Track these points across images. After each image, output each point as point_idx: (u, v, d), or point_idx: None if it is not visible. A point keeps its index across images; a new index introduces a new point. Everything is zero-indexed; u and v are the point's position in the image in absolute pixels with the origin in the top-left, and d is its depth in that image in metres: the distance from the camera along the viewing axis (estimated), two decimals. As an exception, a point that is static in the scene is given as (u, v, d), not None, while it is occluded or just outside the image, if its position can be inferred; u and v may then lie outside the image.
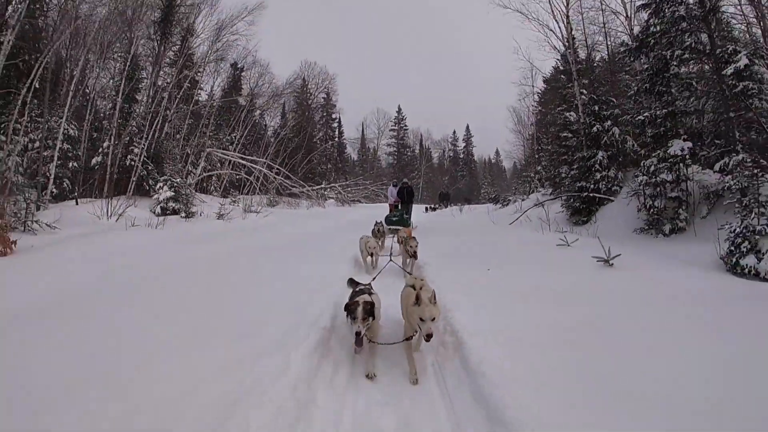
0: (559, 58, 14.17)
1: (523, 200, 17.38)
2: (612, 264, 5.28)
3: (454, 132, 58.92)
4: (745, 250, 5.17)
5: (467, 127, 58.33)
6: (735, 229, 5.38)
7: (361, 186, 31.83)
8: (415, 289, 3.41)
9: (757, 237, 5.16)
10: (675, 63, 8.38)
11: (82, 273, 5.19)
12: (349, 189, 30.34)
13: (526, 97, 24.91)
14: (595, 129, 10.75)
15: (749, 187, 6.71)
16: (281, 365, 2.81)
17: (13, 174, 11.05)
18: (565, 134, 13.87)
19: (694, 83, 8.39)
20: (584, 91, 11.63)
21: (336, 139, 44.06)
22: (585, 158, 10.90)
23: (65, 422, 2.16)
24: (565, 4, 13.26)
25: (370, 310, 3.32)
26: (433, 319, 3.11)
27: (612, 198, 10.14)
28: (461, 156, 58.69)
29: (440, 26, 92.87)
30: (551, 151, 17.87)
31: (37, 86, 12.51)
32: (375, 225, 8.98)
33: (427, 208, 26.78)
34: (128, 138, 15.50)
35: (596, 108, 10.98)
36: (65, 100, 14.19)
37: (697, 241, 6.65)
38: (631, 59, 10.40)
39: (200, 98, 23.64)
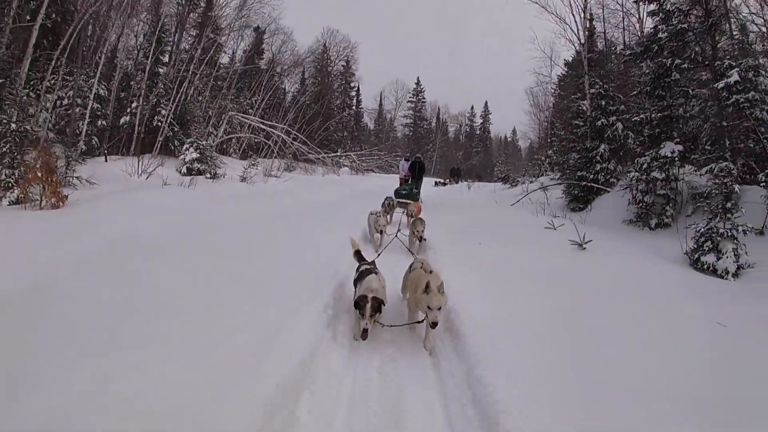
0: (575, 51, 14.48)
1: (531, 182, 17.99)
2: (585, 248, 6.04)
3: (472, 108, 58.43)
4: (707, 248, 5.88)
5: (485, 103, 57.86)
6: (700, 230, 6.09)
7: (375, 156, 32.32)
8: (425, 271, 3.74)
9: (719, 238, 5.86)
10: (676, 71, 8.91)
11: (135, 224, 6.05)
12: (363, 158, 30.91)
13: (542, 84, 25.01)
14: (600, 122, 11.30)
15: (731, 192, 7.39)
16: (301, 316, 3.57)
17: (44, 131, 11.98)
18: (576, 122, 14.35)
19: (690, 91, 8.89)
20: (598, 81, 12.04)
21: (353, 107, 44.51)
22: (588, 149, 11.51)
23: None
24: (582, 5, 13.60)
25: (378, 307, 3.51)
26: (440, 308, 3.35)
27: (608, 189, 10.77)
28: (477, 132, 58.34)
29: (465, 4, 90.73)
30: (562, 137, 18.32)
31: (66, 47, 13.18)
32: (385, 199, 9.30)
33: (436, 183, 27.06)
34: (155, 99, 16.26)
35: (603, 102, 11.50)
36: (93, 59, 14.98)
37: (678, 237, 7.31)
38: (638, 62, 10.84)
39: (223, 62, 24.36)
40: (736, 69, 7.54)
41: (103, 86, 15.08)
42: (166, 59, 18.63)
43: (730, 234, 5.84)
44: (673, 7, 9.03)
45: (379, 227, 6.84)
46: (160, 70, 18.11)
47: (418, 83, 55.30)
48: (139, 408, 2.15)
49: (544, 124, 29.71)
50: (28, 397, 2.15)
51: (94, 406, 2.13)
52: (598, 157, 11.13)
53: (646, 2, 9.98)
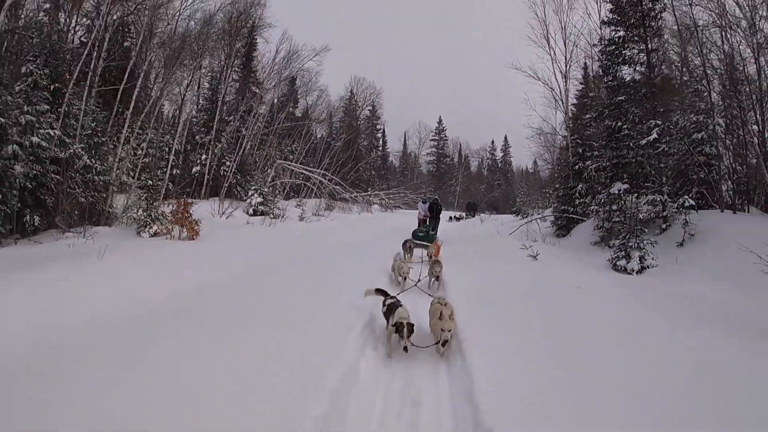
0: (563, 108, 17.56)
1: (539, 214, 20.86)
2: (537, 259, 9.12)
3: (493, 142, 61.15)
4: (621, 256, 8.88)
5: (505, 137, 60.59)
6: (617, 244, 9.09)
7: (401, 194, 35.56)
8: (441, 305, 4.88)
9: (629, 249, 8.85)
10: (626, 127, 12.01)
11: (257, 253, 9.36)
12: (391, 196, 34.17)
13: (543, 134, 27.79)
14: (577, 166, 14.36)
15: (668, 216, 10.34)
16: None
17: (124, 177, 15.38)
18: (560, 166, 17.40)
19: (630, 144, 11.86)
20: (575, 134, 15.16)
21: (380, 148, 48.40)
22: (569, 188, 14.53)
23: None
24: (563, 72, 16.93)
25: (412, 329, 4.51)
26: (450, 330, 4.51)
27: (585, 219, 13.70)
28: (499, 165, 60.97)
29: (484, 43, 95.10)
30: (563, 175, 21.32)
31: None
32: (405, 242, 10.41)
33: (450, 218, 29.14)
34: (220, 153, 20.08)
35: (581, 150, 14.58)
36: (172, 120, 18.92)
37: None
38: (595, 122, 13.92)
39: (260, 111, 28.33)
40: (656, 129, 10.59)
41: (178, 141, 18.89)
42: (229, 118, 22.52)
43: (637, 246, 8.83)
44: (625, 80, 12.25)
45: (403, 273, 7.72)
46: (224, 127, 21.97)
47: (440, 122, 58.65)
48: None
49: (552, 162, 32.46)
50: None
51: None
52: (576, 194, 14.12)
53: (604, 76, 13.23)
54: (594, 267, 9.17)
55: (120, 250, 8.02)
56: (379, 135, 48.73)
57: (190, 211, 10.67)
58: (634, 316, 5.63)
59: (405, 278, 7.66)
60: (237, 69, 24.11)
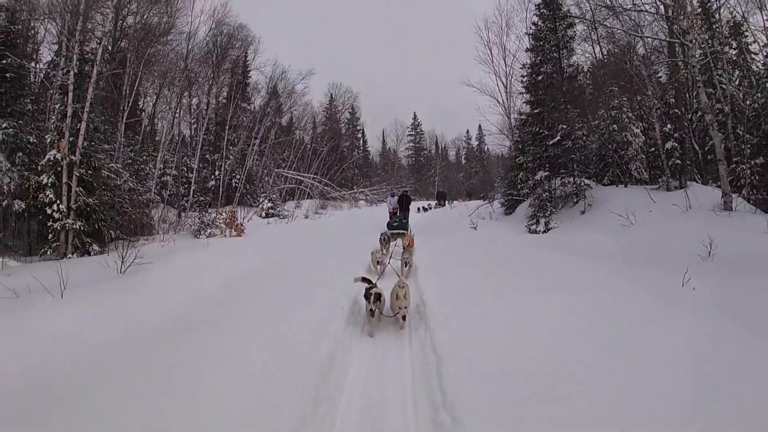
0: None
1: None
2: (476, 229, 13.36)
3: (468, 131, 65.00)
4: (533, 222, 13.16)
5: (479, 126, 64.28)
6: (530, 213, 13.37)
7: (384, 189, 39.58)
8: (399, 287, 5.78)
9: (538, 217, 13.13)
10: (542, 131, 16.21)
11: (290, 242, 13.37)
12: (374, 191, 38.25)
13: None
14: (518, 159, 18.57)
15: (579, 192, 14.58)
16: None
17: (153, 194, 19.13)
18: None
19: (548, 143, 16.00)
20: (517, 134, 19.43)
21: (361, 148, 52.47)
22: (513, 176, 18.75)
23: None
24: (505, 86, 21.25)
25: (378, 296, 5.72)
26: (406, 307, 5.68)
27: (524, 200, 17.89)
28: (475, 153, 64.61)
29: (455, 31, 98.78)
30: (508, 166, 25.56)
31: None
32: (381, 234, 11.52)
33: (419, 209, 30.04)
34: (231, 168, 24.01)
35: (520, 146, 18.80)
36: (194, 149, 22.78)
37: (559, 223, 14.30)
38: (525, 127, 18.12)
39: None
40: (560, 133, 14.84)
41: (193, 162, 22.74)
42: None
43: (543, 214, 13.11)
44: (539, 97, 16.48)
45: (376, 259, 9.13)
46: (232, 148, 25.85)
47: (415, 117, 62.83)
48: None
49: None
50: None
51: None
52: (518, 180, 18.31)
53: (525, 93, 17.53)
54: (517, 232, 13.48)
55: (200, 247, 11.97)
56: (359, 135, 52.83)
57: (236, 216, 14.71)
58: (532, 252, 9.89)
59: (380, 262, 9.01)
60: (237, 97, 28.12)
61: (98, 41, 13.89)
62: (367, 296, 5.84)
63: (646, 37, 14.43)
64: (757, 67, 16.25)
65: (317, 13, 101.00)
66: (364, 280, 6.73)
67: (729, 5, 15.91)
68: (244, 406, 3.52)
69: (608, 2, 13.88)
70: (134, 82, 18.98)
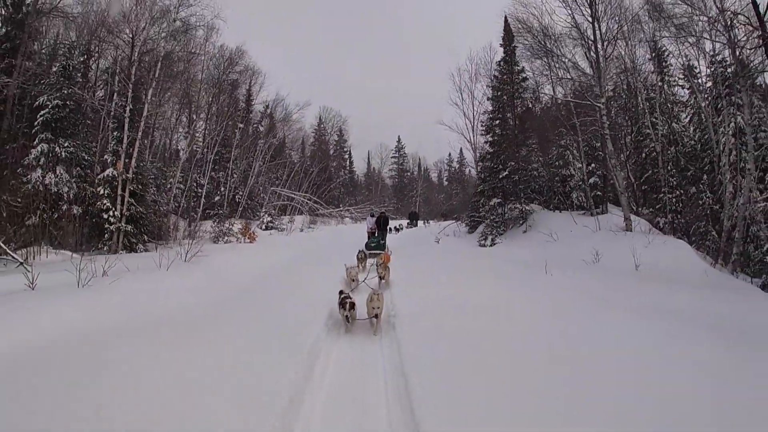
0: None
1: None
2: (438, 242, 17.05)
3: (449, 154, 68.33)
4: (483, 239, 16.90)
5: (460, 150, 68.34)
6: (483, 233, 17.10)
7: (368, 208, 43.20)
8: (374, 293, 6.73)
9: (487, 235, 16.88)
10: (496, 167, 20.08)
11: (294, 249, 16.80)
12: (359, 209, 41.85)
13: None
14: (479, 188, 22.36)
15: (526, 216, 18.36)
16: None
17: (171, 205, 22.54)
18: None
19: (499, 176, 19.89)
20: (480, 164, 23.32)
21: (348, 168, 56.21)
22: (476, 201, 22.53)
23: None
24: (473, 125, 25.31)
25: (352, 304, 6.60)
26: (379, 307, 6.53)
27: (485, 221, 21.65)
28: (455, 176, 67.26)
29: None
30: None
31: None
32: (358, 252, 12.55)
33: (390, 229, 31.65)
34: (234, 186, 27.45)
35: (483, 176, 22.63)
36: (204, 169, 26.18)
37: (504, 240, 18.10)
38: (483, 162, 22.05)
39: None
40: (509, 168, 18.70)
41: (202, 177, 26.12)
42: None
43: (491, 233, 16.86)
44: (497, 136, 20.38)
45: (352, 276, 9.80)
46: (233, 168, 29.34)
47: (399, 141, 66.63)
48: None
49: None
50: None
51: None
52: (480, 204, 22.08)
53: (485, 133, 21.48)
54: (471, 246, 17.27)
55: (224, 249, 15.38)
56: (347, 156, 56.60)
57: (249, 227, 18.16)
58: (472, 257, 13.61)
59: (353, 280, 9.67)
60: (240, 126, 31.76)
61: (150, 82, 17.27)
62: (342, 304, 6.75)
63: (572, 101, 18.34)
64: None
65: (308, 35, 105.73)
66: (341, 293, 7.43)
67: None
68: (300, 313, 6.86)
69: (546, 72, 17.94)
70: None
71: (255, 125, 33.19)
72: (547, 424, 3.45)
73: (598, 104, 15.14)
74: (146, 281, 8.28)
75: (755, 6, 12.10)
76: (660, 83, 20.05)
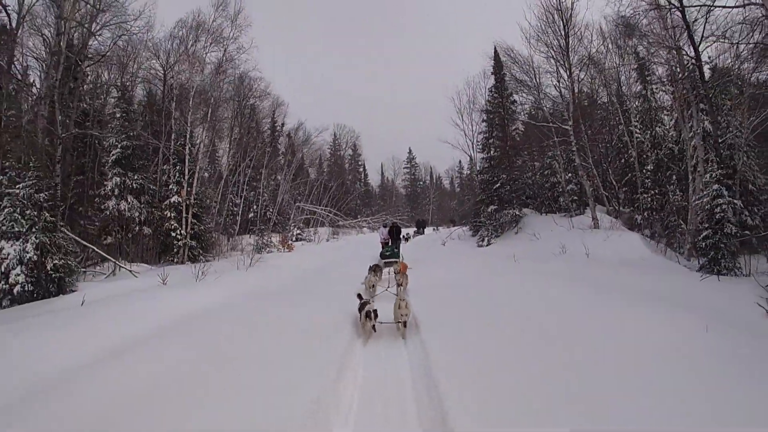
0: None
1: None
2: (444, 245, 20.50)
3: (460, 162, 71.83)
4: (480, 240, 20.30)
5: (472, 155, 71.80)
6: (481, 235, 20.50)
7: (384, 218, 46.75)
8: (401, 300, 7.26)
9: (483, 236, 20.27)
10: (491, 179, 23.45)
11: (325, 256, 20.40)
12: (375, 219, 45.41)
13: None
14: (479, 197, 25.74)
15: (519, 220, 21.71)
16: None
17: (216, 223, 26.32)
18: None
19: (494, 187, 23.25)
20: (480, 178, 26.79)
21: (362, 181, 59.97)
22: (477, 208, 25.88)
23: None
24: (472, 142, 28.77)
25: (376, 313, 6.97)
26: (406, 315, 7.03)
27: (484, 225, 25.03)
28: (466, 182, 71.22)
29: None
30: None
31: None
32: (374, 265, 12.56)
33: (402, 238, 33.98)
34: (265, 204, 31.23)
35: (484, 185, 26.01)
36: (238, 190, 30.00)
37: (498, 241, 21.47)
38: (480, 175, 25.45)
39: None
40: (503, 177, 22.09)
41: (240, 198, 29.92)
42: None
43: (488, 235, 20.26)
44: (492, 153, 23.80)
45: (371, 284, 10.86)
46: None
47: (410, 152, 70.52)
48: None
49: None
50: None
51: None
52: (481, 211, 25.41)
53: (481, 150, 24.89)
54: (470, 246, 20.61)
55: (270, 257, 18.94)
56: (361, 170, 60.35)
57: (287, 238, 21.78)
58: (477, 256, 17.08)
59: (373, 287, 10.61)
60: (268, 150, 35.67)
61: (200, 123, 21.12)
62: (364, 312, 7.10)
63: (544, 124, 21.59)
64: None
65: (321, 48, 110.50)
66: (359, 297, 7.98)
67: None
68: (344, 290, 10.35)
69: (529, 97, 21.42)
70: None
71: (281, 151, 37.08)
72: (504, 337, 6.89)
73: (566, 127, 18.52)
74: (235, 276, 11.96)
75: (691, 39, 14.49)
76: (644, 91, 22.20)
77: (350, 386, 5.24)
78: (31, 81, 18.85)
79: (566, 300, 7.77)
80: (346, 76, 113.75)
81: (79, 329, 6.35)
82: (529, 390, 4.42)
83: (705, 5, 11.49)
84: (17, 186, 10.91)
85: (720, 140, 14.59)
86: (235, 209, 28.76)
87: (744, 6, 8.97)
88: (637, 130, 20.91)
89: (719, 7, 11.31)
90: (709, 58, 16.47)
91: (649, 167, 19.68)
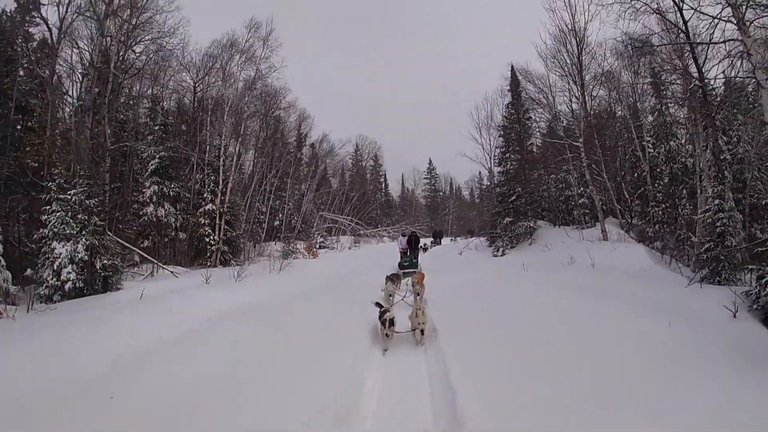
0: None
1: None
2: (461, 254, 21.52)
3: (480, 173, 72.57)
4: (496, 251, 21.26)
5: (490, 168, 72.50)
6: (498, 246, 21.46)
7: (404, 228, 47.92)
8: (418, 309, 7.56)
9: (498, 246, 21.23)
10: (506, 191, 24.40)
11: (348, 263, 21.63)
12: (395, 228, 46.56)
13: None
14: (496, 209, 26.66)
15: (533, 231, 22.61)
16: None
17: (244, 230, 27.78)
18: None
19: (509, 200, 24.16)
20: (499, 187, 27.77)
21: (383, 191, 61.26)
22: (494, 220, 26.80)
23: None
24: (490, 155, 29.81)
25: (392, 321, 7.07)
26: (424, 323, 7.37)
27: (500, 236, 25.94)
28: (485, 193, 71.87)
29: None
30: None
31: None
32: (392, 275, 12.76)
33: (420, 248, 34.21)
34: (290, 212, 32.65)
35: (501, 198, 26.95)
36: (264, 198, 31.47)
37: (513, 252, 22.40)
38: (497, 188, 26.39)
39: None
40: (517, 192, 23.04)
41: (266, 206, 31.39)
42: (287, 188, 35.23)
43: (503, 245, 21.21)
44: (508, 167, 24.78)
45: (389, 292, 11.30)
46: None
47: (430, 163, 71.64)
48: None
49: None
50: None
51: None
52: (498, 222, 26.32)
53: (498, 165, 25.88)
54: (486, 256, 21.56)
55: (297, 263, 20.20)
56: (382, 180, 61.64)
57: (312, 245, 23.06)
58: (492, 265, 18.06)
59: (392, 295, 11.03)
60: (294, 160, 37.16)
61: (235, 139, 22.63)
62: (382, 321, 7.21)
63: (557, 141, 22.55)
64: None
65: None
66: (377, 305, 8.21)
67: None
68: (365, 293, 11.51)
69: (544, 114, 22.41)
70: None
71: (305, 161, 38.58)
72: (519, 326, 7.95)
73: (577, 143, 19.46)
74: (267, 279, 13.27)
75: (695, 60, 14.83)
76: (659, 106, 22.44)
77: (370, 381, 5.98)
78: (65, 90, 20.35)
79: (576, 310, 8.50)
80: (346, 76, 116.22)
81: (150, 317, 7.63)
82: (540, 393, 4.97)
83: (688, 42, 12.26)
84: (68, 192, 12.04)
85: (730, 154, 15.21)
86: (261, 217, 30.16)
87: (725, 42, 9.77)
88: (650, 145, 21.56)
89: (698, 44, 12.05)
90: (723, 73, 17.21)
91: (662, 181, 20.21)
